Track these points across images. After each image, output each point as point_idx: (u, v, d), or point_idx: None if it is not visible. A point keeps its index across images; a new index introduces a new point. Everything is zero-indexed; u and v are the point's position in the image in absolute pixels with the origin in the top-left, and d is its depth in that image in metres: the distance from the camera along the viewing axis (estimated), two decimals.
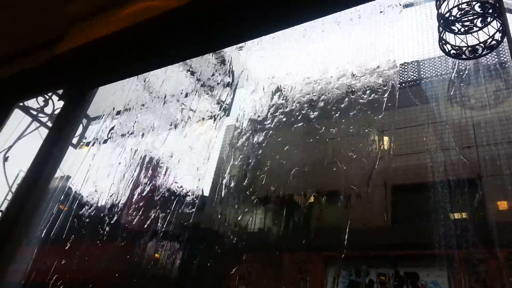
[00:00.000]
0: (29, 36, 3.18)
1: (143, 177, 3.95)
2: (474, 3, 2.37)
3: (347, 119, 3.47)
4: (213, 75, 4.01)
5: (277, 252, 4.21)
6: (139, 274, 3.80)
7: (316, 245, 4.12)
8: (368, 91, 3.31)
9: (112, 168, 3.94)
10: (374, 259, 4.12)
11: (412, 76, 4.83)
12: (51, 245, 3.60)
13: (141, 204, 3.85)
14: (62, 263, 3.59)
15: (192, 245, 3.96)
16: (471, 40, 2.52)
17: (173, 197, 3.90)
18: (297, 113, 3.71)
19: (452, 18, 2.44)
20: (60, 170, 3.11)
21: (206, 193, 4.18)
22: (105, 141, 4.04)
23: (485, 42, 2.47)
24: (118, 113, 4.08)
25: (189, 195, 3.90)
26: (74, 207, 3.93)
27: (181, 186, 3.94)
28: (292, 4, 2.41)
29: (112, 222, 3.78)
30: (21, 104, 4.60)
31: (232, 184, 3.90)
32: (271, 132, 3.80)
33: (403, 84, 4.65)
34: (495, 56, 3.90)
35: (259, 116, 3.84)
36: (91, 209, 3.97)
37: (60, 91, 3.27)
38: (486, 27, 2.42)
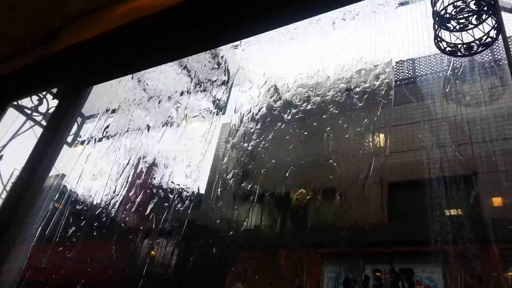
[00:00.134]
0: (23, 34, 3.17)
1: (138, 176, 3.94)
2: (469, 0, 2.37)
3: (343, 117, 3.47)
4: (208, 73, 4.01)
5: (273, 249, 4.21)
6: (135, 271, 3.79)
7: (312, 242, 4.13)
8: (363, 89, 3.31)
9: (107, 167, 3.93)
10: (370, 255, 4.14)
11: (408, 74, 4.85)
12: (46, 244, 3.59)
13: (136, 202, 3.84)
14: (57, 261, 3.58)
15: (187, 242, 3.95)
16: (467, 37, 2.53)
17: (168, 195, 3.90)
18: (293, 111, 3.71)
19: (447, 15, 2.45)
20: (55, 168, 3.10)
21: (202, 191, 4.17)
22: (100, 140, 4.03)
23: (480, 39, 2.47)
24: (113, 111, 4.07)
25: (184, 193, 3.89)
26: (69, 206, 3.92)
27: (177, 184, 3.93)
28: (289, 2, 2.41)
29: (107, 220, 3.78)
30: (15, 103, 4.58)
31: (228, 182, 3.90)
32: (267, 130, 3.80)
33: (399, 82, 4.67)
34: (490, 54, 3.92)
35: (255, 114, 3.84)
36: (86, 207, 3.96)
37: (55, 90, 3.27)
38: (481, 25, 2.42)
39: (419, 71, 4.74)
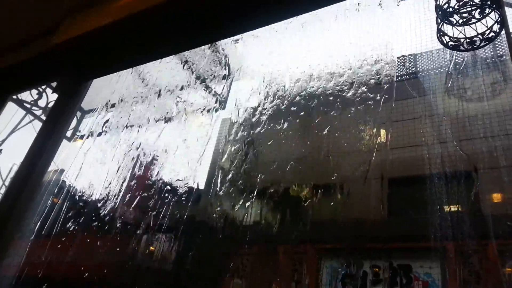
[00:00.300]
0: (22, 28, 3.15)
1: (137, 170, 3.93)
2: None
3: (344, 112, 3.46)
4: (208, 68, 3.99)
5: (272, 244, 4.21)
6: (134, 266, 3.79)
7: (311, 238, 4.13)
8: (365, 84, 3.30)
9: (106, 161, 3.92)
10: (369, 251, 4.14)
11: (410, 69, 4.84)
12: (45, 239, 3.58)
13: (135, 197, 3.83)
14: (56, 256, 3.57)
15: (187, 238, 3.95)
16: (469, 32, 2.51)
17: (168, 190, 3.89)
18: (293, 106, 3.69)
19: (450, 9, 2.43)
20: (54, 163, 3.09)
21: (202, 186, 4.16)
22: (99, 134, 4.02)
23: (483, 33, 2.46)
24: (113, 106, 4.05)
25: (184, 188, 3.89)
26: (68, 201, 3.90)
27: (176, 179, 3.92)
28: None
29: (106, 215, 3.77)
30: (14, 97, 4.56)
31: (228, 177, 3.89)
32: (267, 124, 3.78)
33: (401, 77, 4.66)
34: (493, 48, 3.90)
35: (255, 109, 3.82)
36: (86, 202, 3.95)
37: (54, 84, 3.25)
38: (485, 19, 2.41)
39: (421, 66, 4.73)
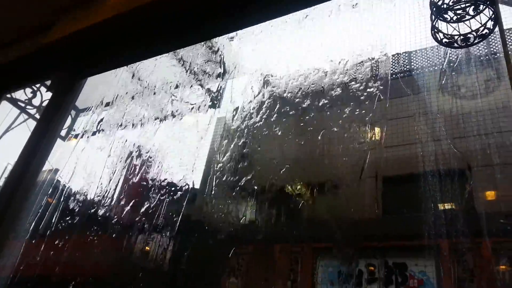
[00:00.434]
0: (16, 26, 3.13)
1: (132, 170, 3.91)
2: None
3: (339, 111, 3.47)
4: (204, 66, 3.98)
5: (267, 243, 4.21)
6: (129, 266, 3.77)
7: (307, 237, 4.13)
8: (360, 82, 3.31)
9: (101, 160, 3.90)
10: (364, 249, 4.15)
11: (404, 67, 4.85)
12: (39, 239, 3.56)
13: (130, 196, 3.82)
14: (51, 256, 3.55)
15: (182, 237, 3.94)
16: (463, 28, 2.52)
17: (163, 189, 3.88)
18: (288, 105, 3.70)
19: (445, 6, 2.44)
20: (48, 162, 3.07)
21: (197, 185, 4.15)
22: (94, 133, 4.00)
23: (477, 30, 2.47)
24: (107, 104, 4.03)
25: (179, 187, 3.88)
26: (63, 200, 3.88)
27: (172, 178, 3.91)
28: None
29: (101, 215, 3.75)
30: (8, 96, 4.53)
31: (223, 176, 3.89)
32: (262, 123, 3.78)
33: (395, 75, 4.68)
34: (487, 46, 3.93)
35: (250, 108, 3.82)
36: (80, 202, 3.93)
37: (48, 82, 3.23)
38: (479, 16, 2.42)
39: (415, 64, 4.75)
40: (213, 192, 3.88)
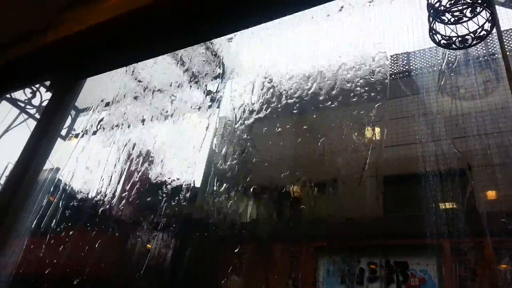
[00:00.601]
0: (15, 26, 3.14)
1: (133, 169, 3.93)
2: None
3: (338, 111, 3.46)
4: (203, 66, 3.98)
5: (268, 242, 4.22)
6: (131, 264, 3.79)
7: (308, 236, 4.14)
8: (359, 83, 3.30)
9: (101, 160, 3.92)
10: (365, 248, 4.16)
11: (403, 68, 4.84)
12: (41, 238, 3.58)
13: (131, 195, 3.84)
14: (52, 255, 3.57)
15: (183, 236, 3.96)
16: (461, 30, 2.52)
17: (164, 188, 3.89)
18: (288, 104, 3.70)
19: (442, 7, 2.44)
20: (49, 162, 3.08)
21: (197, 184, 4.16)
22: (94, 133, 4.01)
23: (474, 32, 2.46)
24: (107, 104, 4.05)
25: (180, 186, 3.89)
26: (64, 199, 3.90)
27: (172, 178, 3.92)
28: None
29: (102, 214, 3.77)
30: (8, 96, 4.55)
31: (223, 175, 3.90)
32: (262, 123, 3.79)
33: (394, 76, 4.66)
34: (485, 47, 3.91)
35: (250, 107, 3.83)
36: (81, 200, 3.95)
37: (48, 83, 3.24)
38: (476, 17, 2.41)
39: (414, 65, 4.74)
40: (213, 191, 3.89)
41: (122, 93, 3.97)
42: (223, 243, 3.87)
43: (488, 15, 2.36)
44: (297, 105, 3.68)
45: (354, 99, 3.35)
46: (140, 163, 3.99)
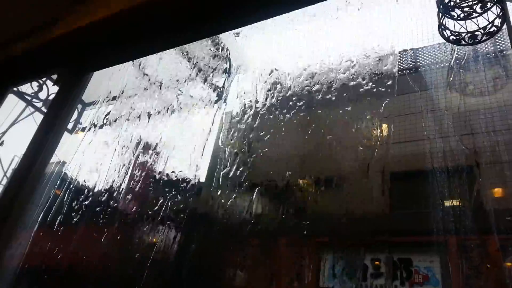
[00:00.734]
0: (23, 20, 3.14)
1: (139, 163, 3.94)
2: None
3: (345, 106, 3.45)
4: (209, 61, 3.98)
5: (273, 237, 4.22)
6: (136, 258, 3.81)
7: (312, 231, 4.13)
8: (367, 78, 3.28)
9: (108, 154, 3.93)
10: (370, 245, 4.14)
11: (411, 63, 4.80)
12: (47, 230, 3.60)
13: (137, 189, 3.85)
14: (58, 247, 3.60)
15: (188, 230, 3.96)
16: (471, 26, 2.49)
17: (169, 182, 3.90)
18: (295, 99, 3.68)
19: (452, 3, 2.41)
20: (55, 155, 3.10)
21: (202, 179, 4.17)
22: (101, 126, 4.02)
23: (484, 28, 2.43)
24: (114, 98, 4.05)
25: (185, 181, 3.89)
26: (71, 192, 3.92)
27: (178, 172, 3.93)
28: None
29: (108, 208, 3.78)
30: (15, 89, 4.57)
31: (228, 170, 3.90)
32: (268, 118, 3.78)
33: (403, 71, 4.63)
34: (495, 43, 3.88)
35: (256, 102, 3.82)
36: (87, 194, 3.97)
37: (55, 76, 3.25)
38: (486, 13, 2.38)
39: (422, 60, 4.70)
40: (218, 186, 3.89)
41: (128, 87, 3.98)
42: (227, 237, 3.87)
43: (499, 10, 2.32)
44: (304, 101, 3.67)
45: (361, 95, 3.33)
46: (146, 157, 4.00)
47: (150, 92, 4.09)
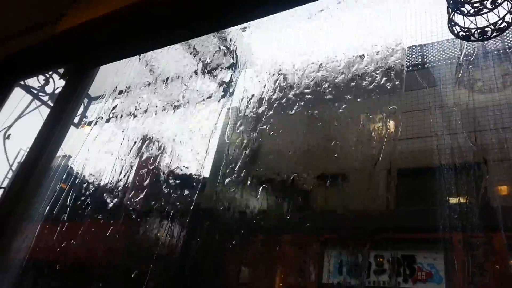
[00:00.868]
0: (30, 14, 3.14)
1: (144, 158, 3.94)
2: None
3: (353, 102, 3.43)
4: (216, 56, 3.96)
5: (278, 233, 4.22)
6: (140, 252, 3.82)
7: (317, 228, 4.13)
8: (375, 75, 3.26)
9: (113, 148, 3.93)
10: (373, 241, 4.13)
11: (420, 59, 4.77)
12: (53, 223, 3.62)
13: (142, 184, 3.85)
14: (64, 241, 3.61)
15: (192, 225, 3.97)
16: (481, 22, 2.46)
17: (174, 177, 3.90)
18: (301, 96, 3.67)
19: None
20: (61, 150, 3.10)
21: (208, 174, 4.17)
22: (107, 121, 4.03)
23: (495, 24, 2.40)
24: (120, 92, 4.05)
25: (190, 176, 3.89)
26: (76, 186, 3.93)
27: (182, 167, 3.93)
28: None
29: (113, 202, 3.79)
30: (21, 82, 4.58)
31: (233, 166, 3.89)
32: (274, 114, 3.76)
33: (411, 67, 4.60)
34: (504, 39, 3.84)
35: (262, 98, 3.80)
36: (93, 188, 3.98)
37: (61, 70, 3.25)
38: (497, 9, 2.36)
39: (431, 57, 4.66)
40: (223, 182, 3.89)
41: (134, 82, 3.97)
42: (231, 233, 3.87)
43: (510, 6, 2.30)
44: (311, 96, 3.65)
45: (369, 92, 3.31)
46: (151, 152, 4.00)
47: (156, 87, 4.08)
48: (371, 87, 3.27)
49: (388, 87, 3.15)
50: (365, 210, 3.48)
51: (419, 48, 4.80)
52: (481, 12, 2.40)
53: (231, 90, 4.02)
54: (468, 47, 3.67)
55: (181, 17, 2.69)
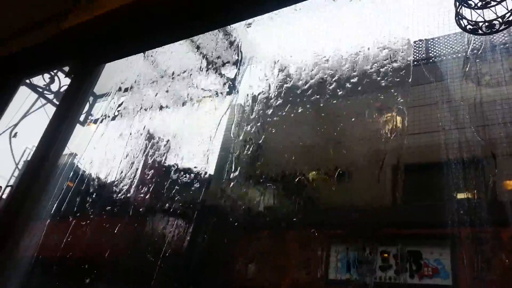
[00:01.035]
0: (34, 12, 3.14)
1: (150, 155, 3.94)
2: None
3: (360, 97, 3.41)
4: (221, 53, 3.95)
5: (283, 229, 4.21)
6: (147, 249, 3.83)
7: (322, 223, 4.12)
8: (381, 69, 3.24)
9: (119, 146, 3.94)
10: (379, 237, 4.11)
11: (427, 53, 4.72)
12: (60, 221, 3.63)
13: (148, 181, 3.85)
14: (72, 238, 3.62)
15: (197, 222, 3.97)
16: (488, 15, 2.43)
17: (179, 174, 3.90)
18: (307, 91, 3.65)
19: None
20: (68, 148, 3.11)
21: (212, 171, 4.16)
22: (113, 118, 4.03)
23: (503, 17, 2.37)
24: (126, 90, 4.05)
25: (195, 173, 3.89)
26: (83, 184, 3.94)
27: (187, 164, 3.93)
28: None
29: (120, 199, 3.80)
30: (27, 81, 4.59)
31: (238, 163, 3.89)
32: (279, 110, 3.75)
33: (418, 62, 4.56)
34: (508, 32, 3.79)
35: (267, 94, 3.79)
36: (99, 185, 3.99)
37: (66, 68, 3.26)
38: (505, 1, 2.33)
39: (438, 51, 4.62)
40: (228, 178, 3.89)
41: (140, 79, 3.97)
42: (237, 230, 3.87)
43: None
44: (316, 92, 3.63)
45: (376, 86, 3.29)
46: (157, 149, 4.00)
47: (161, 84, 4.08)
48: (378, 81, 3.25)
49: (395, 81, 3.13)
50: (372, 206, 3.47)
51: (426, 42, 4.76)
52: (488, 5, 2.37)
53: (236, 87, 4.01)
54: (476, 41, 3.63)
55: (188, 13, 2.68)
